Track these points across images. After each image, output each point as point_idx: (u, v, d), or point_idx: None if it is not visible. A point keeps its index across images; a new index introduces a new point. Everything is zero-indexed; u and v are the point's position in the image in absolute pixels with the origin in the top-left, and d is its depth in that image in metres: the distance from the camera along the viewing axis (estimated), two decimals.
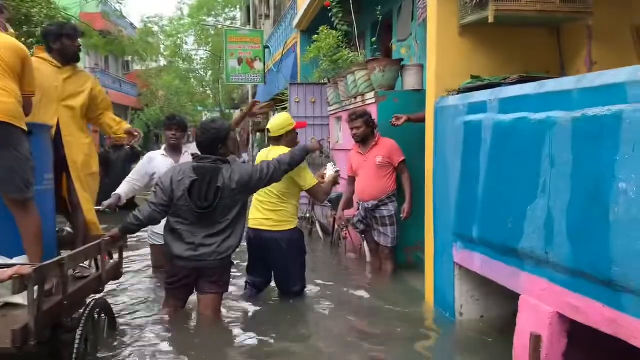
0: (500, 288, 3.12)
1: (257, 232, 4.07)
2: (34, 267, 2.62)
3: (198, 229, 3.48)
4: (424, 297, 4.17)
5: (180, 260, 3.53)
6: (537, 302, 2.69)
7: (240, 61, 15.10)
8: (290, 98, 7.96)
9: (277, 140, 4.21)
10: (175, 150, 4.86)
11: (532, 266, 2.76)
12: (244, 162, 21.26)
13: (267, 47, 15.31)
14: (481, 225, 3.26)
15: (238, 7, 25.85)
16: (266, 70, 14.94)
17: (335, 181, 4.31)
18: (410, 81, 5.22)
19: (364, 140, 4.94)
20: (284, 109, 10.42)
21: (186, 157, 4.93)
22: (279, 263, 4.06)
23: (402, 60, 5.28)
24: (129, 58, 34.59)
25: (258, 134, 21.98)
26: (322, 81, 8.15)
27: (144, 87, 32.77)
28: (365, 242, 5.37)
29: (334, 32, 6.52)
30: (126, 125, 4.08)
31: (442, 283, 3.86)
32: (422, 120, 4.21)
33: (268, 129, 4.27)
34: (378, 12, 5.74)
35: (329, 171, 4.36)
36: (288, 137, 4.22)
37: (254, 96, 19.38)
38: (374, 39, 5.83)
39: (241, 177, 3.50)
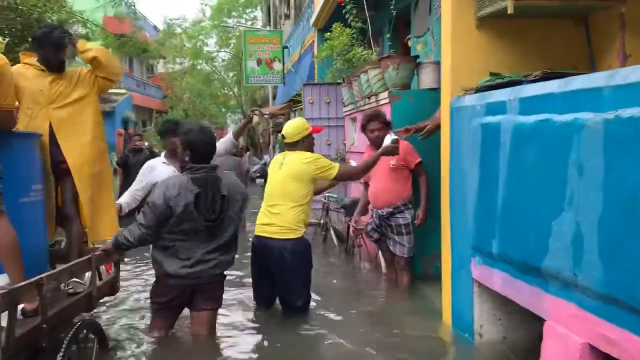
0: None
1: (260, 240, 3.83)
2: (1, 292, 2.40)
3: (197, 244, 3.22)
4: (441, 314, 3.84)
5: (173, 279, 3.25)
6: (565, 330, 2.35)
7: (259, 62, 14.95)
8: (304, 99, 7.69)
9: (293, 146, 3.97)
10: (177, 157, 4.64)
11: (558, 288, 2.43)
12: (265, 164, 21.04)
13: (287, 47, 15.10)
14: (501, 239, 2.92)
15: (259, 7, 25.73)
16: (285, 71, 14.73)
17: (392, 151, 4.01)
18: (426, 79, 4.89)
19: (380, 143, 4.63)
20: (301, 110, 10.16)
21: None
22: (281, 274, 3.79)
23: (417, 57, 4.96)
24: (154, 62, 34.96)
25: (279, 135, 21.82)
26: (337, 81, 7.86)
27: (168, 90, 32.95)
28: (379, 252, 5.06)
29: (348, 29, 6.22)
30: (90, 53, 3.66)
31: (460, 300, 3.53)
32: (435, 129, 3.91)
33: (283, 135, 4.02)
34: (392, 7, 5.42)
35: (386, 142, 4.07)
36: (304, 143, 4.01)
37: (274, 97, 19.20)
38: (388, 35, 5.51)
39: (245, 193, 3.46)
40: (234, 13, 25.22)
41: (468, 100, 3.36)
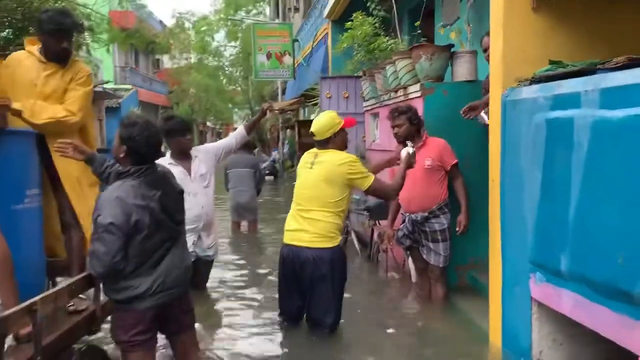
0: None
1: (292, 249, 3.39)
2: None
3: (163, 252, 2.60)
4: (486, 334, 3.41)
5: (145, 300, 2.54)
6: None
7: (269, 56, 14.52)
8: (321, 93, 7.25)
9: (324, 144, 3.53)
10: (185, 155, 4.22)
11: None
12: (274, 160, 20.60)
13: (297, 41, 14.66)
14: (575, 255, 2.48)
15: (266, 1, 25.27)
16: (296, 65, 14.29)
17: (409, 164, 3.64)
18: (461, 71, 4.44)
19: (407, 140, 4.19)
20: (315, 105, 9.72)
21: (197, 163, 4.28)
22: (314, 287, 3.38)
23: (452, 46, 4.50)
24: (160, 57, 34.58)
25: (288, 130, 21.39)
26: (357, 74, 7.41)
27: (174, 85, 32.56)
28: (409, 260, 4.63)
29: (370, 18, 5.78)
30: (50, 113, 3.13)
31: (514, 322, 3.09)
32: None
33: (312, 133, 3.58)
34: None
35: (402, 155, 3.71)
36: (336, 139, 3.58)
37: (283, 92, 18.77)
38: (417, 22, 5.07)
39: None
40: (243, 8, 24.76)
41: (526, 92, 2.92)
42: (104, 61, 20.97)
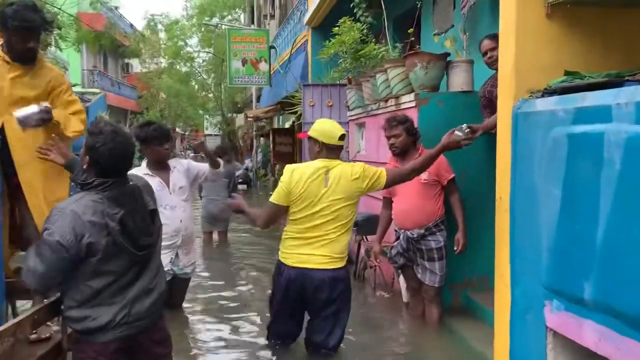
0: None
1: (302, 272, 3.04)
2: None
3: (129, 279, 2.26)
4: None
5: (108, 333, 2.22)
6: None
7: (244, 62, 14.21)
8: (304, 101, 6.99)
9: (335, 152, 3.20)
10: (163, 166, 3.89)
11: None
12: (247, 169, 20.20)
13: (273, 48, 14.37)
14: (601, 282, 2.26)
15: (241, 7, 24.93)
16: (272, 72, 14.00)
17: (458, 145, 3.35)
18: (457, 80, 4.25)
19: (403, 152, 3.96)
20: (294, 113, 9.45)
21: (176, 175, 3.95)
22: (325, 309, 3.07)
23: (448, 54, 4.30)
24: (129, 61, 33.82)
25: (262, 138, 21.03)
26: (340, 82, 7.19)
27: (143, 90, 31.84)
28: (400, 278, 4.38)
29: (358, 24, 5.55)
30: (76, 126, 3.07)
31: (524, 352, 2.86)
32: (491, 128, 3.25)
33: (343, 135, 3.16)
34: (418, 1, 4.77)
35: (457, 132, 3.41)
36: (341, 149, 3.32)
37: (258, 99, 18.44)
38: (410, 29, 4.86)
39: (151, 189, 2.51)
40: (217, 14, 24.34)
41: (542, 104, 2.71)
42: (71, 63, 20.28)
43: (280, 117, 18.49)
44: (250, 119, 17.05)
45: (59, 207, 2.21)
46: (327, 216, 3.07)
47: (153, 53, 29.08)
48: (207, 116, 33.77)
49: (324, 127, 3.18)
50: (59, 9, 9.84)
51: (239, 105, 28.85)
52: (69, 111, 3.15)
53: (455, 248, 3.86)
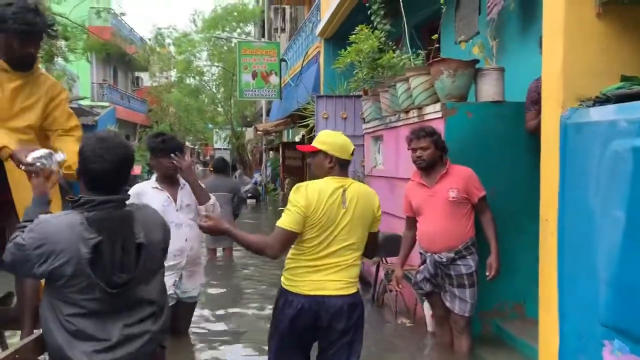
0: None
1: (316, 300, 2.62)
2: None
3: (111, 318, 1.94)
4: None
5: None
6: None
7: (254, 75, 13.98)
8: (317, 113, 6.68)
9: (347, 168, 2.82)
10: (172, 181, 3.58)
11: None
12: (256, 183, 19.88)
13: (284, 61, 14.15)
14: None
15: (252, 22, 24.85)
16: (282, 85, 13.77)
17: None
18: (488, 90, 3.92)
19: (429, 167, 3.63)
20: (305, 126, 9.15)
21: (185, 192, 3.63)
22: (340, 339, 2.69)
23: (477, 61, 3.98)
24: (139, 74, 33.88)
25: (271, 152, 20.78)
26: (354, 93, 6.89)
27: (153, 104, 31.80)
28: (424, 305, 4.02)
29: (376, 31, 5.27)
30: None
31: None
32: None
33: (337, 157, 2.65)
34: (442, 3, 4.46)
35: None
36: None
37: (267, 112, 18.22)
38: (435, 35, 4.54)
39: (165, 229, 2.12)
40: (227, 28, 24.26)
41: (598, 113, 2.38)
42: (80, 76, 20.21)
43: (290, 130, 18.25)
44: (260, 132, 16.81)
45: (41, 221, 1.94)
46: (345, 240, 2.71)
47: (162, 67, 29.07)
48: (217, 130, 33.65)
49: (336, 140, 2.75)
50: (68, 18, 9.66)
51: (248, 119, 28.68)
52: (69, 125, 2.92)
53: (487, 273, 3.50)
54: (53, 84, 2.92)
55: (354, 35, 5.31)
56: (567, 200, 2.56)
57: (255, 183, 18.74)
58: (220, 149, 38.00)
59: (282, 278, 2.73)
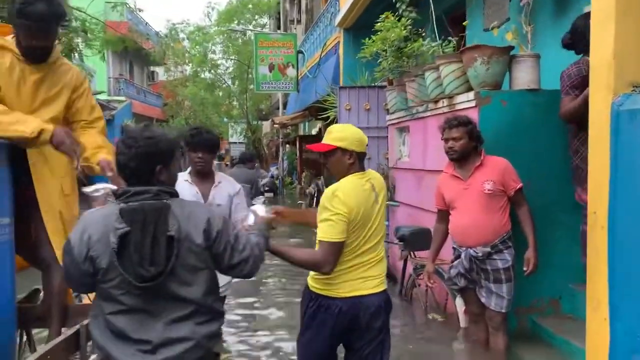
0: None
1: (355, 301, 2.50)
2: None
3: (150, 315, 1.84)
4: None
5: None
6: None
7: (271, 67, 13.89)
8: (340, 105, 6.56)
9: (363, 160, 2.68)
10: (204, 176, 3.47)
11: None
12: (272, 176, 19.85)
13: (301, 52, 14.02)
14: None
15: (267, 14, 24.73)
16: (299, 77, 13.65)
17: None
18: (523, 77, 3.77)
19: (463, 158, 3.49)
20: (324, 119, 9.02)
21: (219, 191, 3.50)
22: (376, 338, 2.59)
23: (512, 48, 3.83)
24: (155, 69, 33.98)
25: (287, 145, 20.70)
26: (377, 83, 6.75)
27: (168, 98, 31.88)
28: (456, 300, 3.90)
29: (403, 19, 5.12)
30: (104, 155, 2.71)
31: None
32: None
33: (355, 152, 2.50)
34: None
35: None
36: None
37: (284, 105, 18.13)
38: (465, 22, 4.39)
39: (212, 226, 1.91)
40: (242, 21, 24.18)
41: None
42: (97, 71, 20.28)
43: (307, 123, 18.14)
44: (277, 125, 16.72)
45: (85, 215, 1.98)
46: (378, 234, 2.60)
47: (177, 61, 29.10)
48: (232, 124, 33.66)
49: (353, 134, 2.58)
50: (86, 13, 9.62)
51: (263, 113, 28.65)
52: (92, 116, 2.87)
53: (525, 268, 3.37)
54: (76, 73, 2.85)
55: (379, 24, 5.16)
56: (619, 191, 2.41)
57: (272, 177, 18.69)
58: (236, 142, 38.04)
59: (311, 282, 2.60)
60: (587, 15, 3.60)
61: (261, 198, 3.05)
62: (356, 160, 2.55)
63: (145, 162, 1.87)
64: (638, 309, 2.29)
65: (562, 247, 3.79)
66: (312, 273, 2.63)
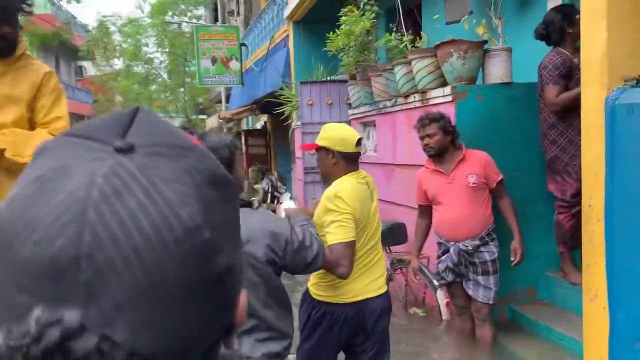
0: None
1: (361, 305, 2.43)
2: None
3: None
4: None
5: None
6: None
7: (214, 61, 13.49)
8: (302, 100, 6.44)
9: (355, 160, 2.60)
10: None
11: None
12: None
13: (244, 45, 13.73)
14: None
15: (203, 5, 24.03)
16: (244, 70, 13.37)
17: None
18: (496, 71, 3.82)
19: (441, 154, 3.51)
20: (279, 115, 8.86)
21: None
22: (380, 339, 2.55)
23: (485, 42, 3.87)
24: (83, 64, 32.39)
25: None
26: (333, 77, 6.69)
27: (99, 93, 30.51)
28: (438, 293, 3.93)
29: (367, 13, 5.08)
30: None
31: None
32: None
33: (338, 151, 2.41)
34: None
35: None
36: None
37: (227, 99, 17.72)
38: (436, 16, 4.40)
39: (277, 238, 1.78)
40: (176, 12, 23.37)
41: None
42: None
43: (250, 117, 17.86)
44: (221, 120, 16.33)
45: None
46: (376, 234, 2.57)
47: (108, 55, 27.86)
48: (168, 119, 32.65)
49: (336, 133, 2.50)
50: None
51: (201, 107, 27.95)
52: (48, 117, 2.55)
53: (512, 258, 3.44)
54: (43, 71, 2.59)
55: (343, 18, 5.09)
56: (616, 184, 2.48)
57: None
58: None
59: (313, 289, 2.52)
60: (560, 8, 3.72)
61: (287, 194, 2.94)
62: (340, 161, 2.45)
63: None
64: (639, 298, 2.37)
65: (537, 237, 3.89)
66: (312, 280, 2.56)
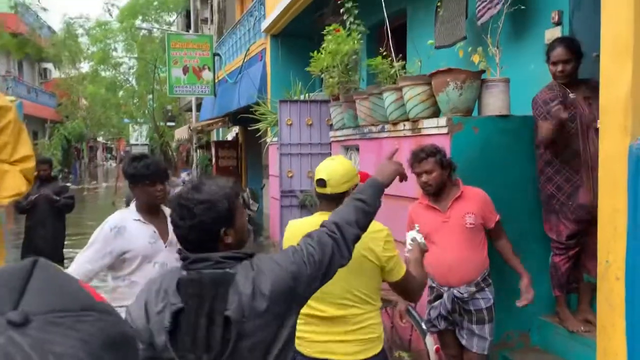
0: None
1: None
2: None
3: None
4: None
5: None
6: None
7: (185, 70, 13.11)
8: (281, 120, 6.13)
9: (333, 201, 2.35)
10: (155, 212, 2.93)
11: None
12: (183, 183, 19.05)
13: (218, 55, 13.37)
14: None
15: (175, 12, 23.54)
16: (217, 80, 13.01)
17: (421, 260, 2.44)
18: (494, 103, 3.60)
19: (439, 191, 3.25)
20: (250, 131, 8.53)
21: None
22: None
23: (483, 72, 3.65)
24: (47, 66, 31.37)
25: (199, 150, 19.81)
26: (312, 97, 6.42)
27: (63, 97, 29.53)
28: (427, 339, 3.66)
29: (354, 33, 4.83)
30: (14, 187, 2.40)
31: None
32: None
33: (321, 181, 2.33)
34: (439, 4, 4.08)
35: (408, 239, 2.50)
36: (349, 196, 2.45)
37: (198, 108, 17.27)
38: (431, 41, 4.18)
39: (276, 282, 1.53)
40: (147, 17, 22.80)
41: None
42: None
43: (220, 129, 17.45)
44: (192, 131, 15.88)
45: (148, 282, 1.67)
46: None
47: (74, 58, 27.03)
48: (135, 125, 31.83)
49: (325, 171, 2.37)
50: None
51: (170, 114, 27.33)
52: (14, 157, 2.36)
53: (518, 303, 3.19)
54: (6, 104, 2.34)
55: (328, 37, 4.83)
56: None
57: (184, 183, 17.77)
58: (138, 144, 36.12)
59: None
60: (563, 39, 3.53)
61: (417, 226, 2.71)
62: (324, 197, 2.40)
63: (207, 232, 1.55)
64: None
65: (531, 278, 3.67)
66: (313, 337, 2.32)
